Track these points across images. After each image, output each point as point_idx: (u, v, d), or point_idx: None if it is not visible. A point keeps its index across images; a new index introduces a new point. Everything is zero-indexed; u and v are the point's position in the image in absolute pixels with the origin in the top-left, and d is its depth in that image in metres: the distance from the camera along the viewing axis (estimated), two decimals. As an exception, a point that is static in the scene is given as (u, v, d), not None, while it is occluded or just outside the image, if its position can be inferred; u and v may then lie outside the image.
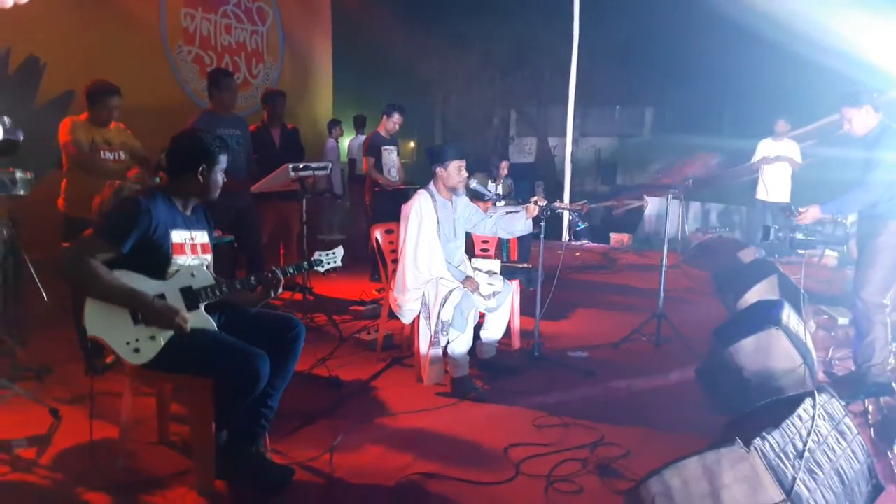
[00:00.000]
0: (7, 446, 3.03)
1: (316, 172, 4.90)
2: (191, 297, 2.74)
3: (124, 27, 6.86)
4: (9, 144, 3.49)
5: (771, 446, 2.20)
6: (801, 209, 4.10)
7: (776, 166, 8.18)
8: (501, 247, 5.94)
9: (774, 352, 3.62)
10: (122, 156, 4.39)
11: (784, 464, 2.19)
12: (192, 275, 2.78)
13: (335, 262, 3.11)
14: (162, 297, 2.68)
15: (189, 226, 2.86)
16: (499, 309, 4.29)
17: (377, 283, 6.65)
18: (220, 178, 2.88)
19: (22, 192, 3.54)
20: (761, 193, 8.44)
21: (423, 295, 4.05)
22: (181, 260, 2.78)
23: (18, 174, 3.56)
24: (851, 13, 7.85)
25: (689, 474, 2.22)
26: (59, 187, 4.34)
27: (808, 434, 2.32)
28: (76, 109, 4.53)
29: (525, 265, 5.11)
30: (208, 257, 2.93)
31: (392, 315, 4.36)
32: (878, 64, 7.64)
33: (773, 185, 8.28)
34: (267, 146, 5.89)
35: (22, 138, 3.54)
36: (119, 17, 6.82)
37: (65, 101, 5.93)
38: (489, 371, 4.27)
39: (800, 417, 2.37)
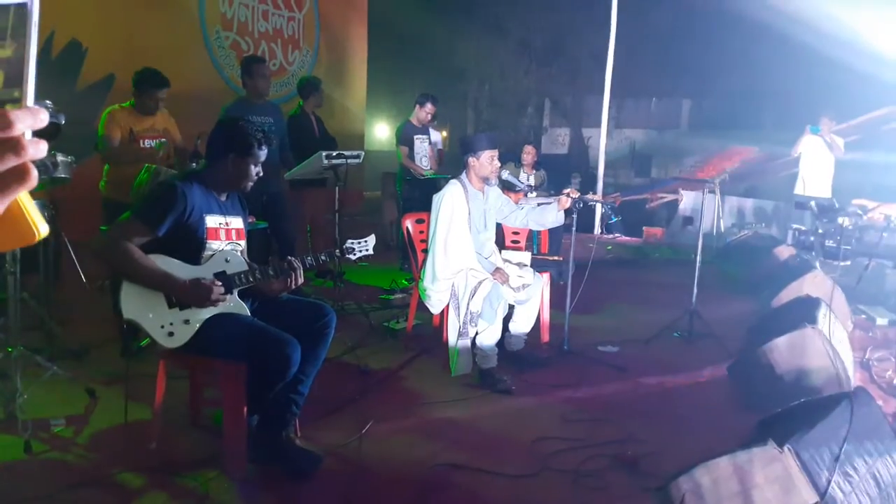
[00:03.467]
0: (45, 425, 3.10)
1: (349, 161, 4.90)
2: (224, 282, 2.77)
3: (164, 12, 6.94)
4: (51, 128, 3.55)
5: (805, 447, 2.17)
6: (856, 201, 3.81)
7: (817, 160, 7.96)
8: (532, 239, 5.91)
9: (809, 351, 3.55)
10: (164, 144, 4.41)
11: (818, 466, 2.16)
12: (227, 260, 2.81)
13: (367, 249, 3.11)
14: (196, 282, 2.71)
15: (224, 211, 2.89)
16: (528, 301, 4.27)
17: (407, 273, 6.67)
18: (252, 170, 2.85)
19: (63, 175, 3.58)
20: (799, 188, 8.22)
21: (453, 285, 4.05)
22: (216, 245, 2.81)
23: (60, 157, 3.60)
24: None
25: (719, 473, 2.19)
26: (101, 171, 4.39)
27: (845, 436, 2.28)
28: (116, 94, 4.59)
29: (556, 258, 5.08)
30: (242, 243, 2.96)
31: (421, 304, 4.38)
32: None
33: (813, 180, 8.03)
34: (306, 132, 5.92)
35: (63, 122, 3.59)
36: (159, 2, 6.91)
37: (105, 86, 6.03)
38: (517, 363, 4.26)
39: (835, 419, 2.33)
